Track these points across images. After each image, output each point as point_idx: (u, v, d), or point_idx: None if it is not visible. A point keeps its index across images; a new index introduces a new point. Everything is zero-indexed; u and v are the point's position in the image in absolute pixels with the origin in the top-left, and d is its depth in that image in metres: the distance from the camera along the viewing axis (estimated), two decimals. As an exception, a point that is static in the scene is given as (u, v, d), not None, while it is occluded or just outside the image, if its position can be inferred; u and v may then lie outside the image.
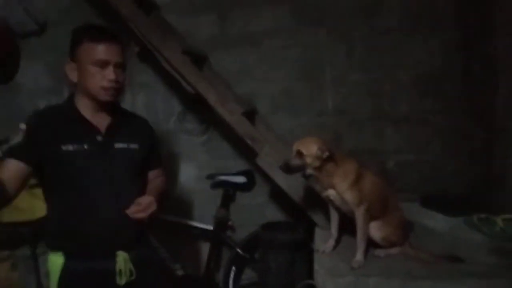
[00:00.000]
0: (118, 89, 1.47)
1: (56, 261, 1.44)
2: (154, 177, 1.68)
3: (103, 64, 1.41)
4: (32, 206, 1.61)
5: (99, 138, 1.46)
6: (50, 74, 2.73)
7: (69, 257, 1.43)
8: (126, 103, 2.70)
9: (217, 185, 2.61)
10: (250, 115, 2.40)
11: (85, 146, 1.42)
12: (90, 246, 1.42)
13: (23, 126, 1.39)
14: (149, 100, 2.72)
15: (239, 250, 2.45)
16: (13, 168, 1.36)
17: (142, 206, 1.41)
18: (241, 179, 2.56)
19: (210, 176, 2.58)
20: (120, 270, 1.44)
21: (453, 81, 2.43)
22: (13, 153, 1.36)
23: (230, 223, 2.59)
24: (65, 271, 1.42)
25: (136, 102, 2.72)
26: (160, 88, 2.70)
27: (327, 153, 1.62)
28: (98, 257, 1.43)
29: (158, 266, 1.66)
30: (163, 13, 2.51)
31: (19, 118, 1.54)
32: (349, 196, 1.63)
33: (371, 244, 1.71)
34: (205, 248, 2.61)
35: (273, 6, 2.57)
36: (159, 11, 2.49)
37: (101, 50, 1.41)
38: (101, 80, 1.42)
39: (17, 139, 1.39)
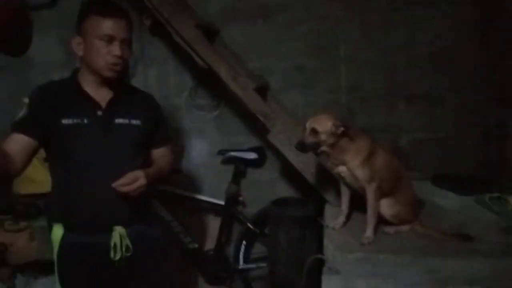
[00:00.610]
0: (122, 65, 1.46)
1: (57, 232, 1.47)
2: (160, 156, 1.67)
3: (109, 39, 1.41)
4: (48, 178, 1.66)
5: (99, 112, 1.47)
6: (62, 47, 2.73)
7: (68, 229, 1.46)
8: (138, 77, 2.71)
9: (228, 161, 2.63)
10: (262, 90, 2.38)
11: (85, 121, 1.43)
12: (87, 220, 1.44)
13: (26, 100, 1.43)
14: (160, 75, 2.71)
15: (249, 225, 2.49)
16: (18, 141, 1.39)
17: (127, 180, 1.40)
18: (252, 155, 2.57)
19: (221, 152, 2.59)
20: (115, 245, 1.45)
21: (469, 58, 2.37)
22: (17, 127, 1.41)
23: (240, 198, 2.62)
24: (64, 242, 1.46)
25: (148, 76, 2.71)
26: (172, 62, 2.68)
27: (342, 129, 1.60)
28: (95, 231, 1.45)
29: (159, 242, 1.65)
30: (175, -14, 2.48)
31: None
32: (361, 173, 1.62)
33: (381, 221, 1.71)
34: (215, 222, 2.65)
35: (287, -21, 2.51)
36: (170, -17, 2.45)
37: (107, 25, 1.40)
38: (106, 55, 1.42)
39: (20, 114, 1.43)
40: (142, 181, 1.42)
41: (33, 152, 1.44)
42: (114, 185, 1.39)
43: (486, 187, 1.99)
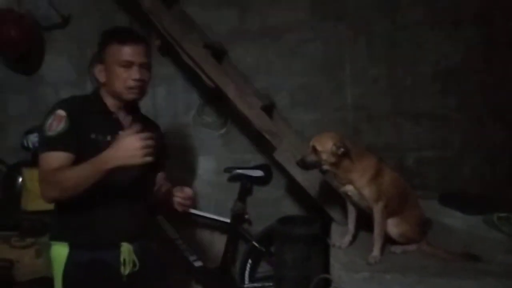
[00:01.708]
0: (143, 87, 1.53)
1: (60, 251, 1.47)
2: (162, 179, 1.73)
3: (128, 65, 1.47)
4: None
5: (120, 132, 1.48)
6: (73, 66, 2.79)
7: (74, 247, 1.46)
8: (147, 96, 2.71)
9: (235, 178, 2.63)
10: (269, 109, 2.40)
11: (108, 138, 1.46)
12: (96, 237, 1.46)
13: (62, 112, 1.43)
14: (169, 93, 2.75)
15: (255, 243, 2.48)
16: (66, 160, 1.38)
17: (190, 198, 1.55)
18: (258, 173, 2.58)
19: (227, 169, 2.61)
20: (125, 260, 1.48)
21: (475, 77, 2.39)
22: (61, 144, 1.39)
23: (246, 216, 2.62)
24: (70, 261, 1.46)
25: (157, 95, 2.75)
26: (180, 81, 2.73)
27: (342, 149, 1.61)
28: (103, 248, 1.47)
29: (159, 256, 1.71)
30: (184, 7, 2.54)
31: (43, 110, 1.59)
32: (368, 192, 1.63)
33: (388, 240, 1.70)
34: (221, 240, 2.64)
35: (293, 0, 2.56)
36: (179, 4, 2.52)
37: (126, 52, 1.47)
38: (126, 79, 1.48)
39: (58, 127, 1.40)
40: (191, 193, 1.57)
41: None
42: (178, 206, 1.56)
43: (494, 207, 1.98)
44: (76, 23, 2.77)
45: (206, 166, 2.76)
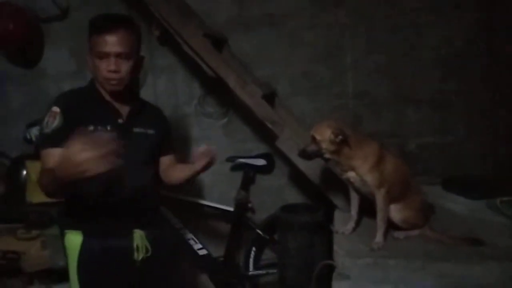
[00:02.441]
0: (122, 78, 1.48)
1: (74, 240, 1.50)
2: (169, 163, 1.73)
3: (104, 55, 1.45)
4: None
5: (120, 121, 1.53)
6: (73, 58, 2.78)
7: (87, 236, 1.49)
8: (148, 87, 2.74)
9: (237, 167, 2.64)
10: (270, 98, 2.40)
11: (108, 128, 1.48)
12: (107, 225, 1.48)
13: (56, 109, 1.44)
14: (170, 84, 2.75)
15: (259, 231, 2.50)
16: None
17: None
18: (260, 162, 2.58)
19: (230, 159, 2.61)
20: (137, 246, 1.52)
21: (477, 61, 2.38)
22: (55, 141, 1.39)
23: (250, 205, 2.63)
24: (84, 249, 1.48)
25: (157, 86, 2.74)
26: (181, 71, 2.72)
27: (340, 137, 1.61)
28: (115, 235, 1.50)
29: (173, 244, 1.73)
30: (182, -4, 2.52)
31: (44, 103, 1.60)
32: (370, 178, 1.63)
33: (391, 226, 1.71)
34: (225, 229, 2.66)
35: (293, -13, 2.54)
36: (178, -7, 2.50)
37: (100, 42, 1.44)
38: (103, 71, 1.46)
39: (53, 123, 1.42)
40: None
41: None
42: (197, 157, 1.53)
43: (497, 191, 1.98)
44: (74, 14, 2.75)
45: (209, 156, 2.76)
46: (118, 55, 1.45)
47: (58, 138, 1.37)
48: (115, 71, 1.45)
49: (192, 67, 2.60)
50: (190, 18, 2.39)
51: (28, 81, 2.91)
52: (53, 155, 1.37)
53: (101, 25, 1.45)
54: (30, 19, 2.75)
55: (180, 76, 2.73)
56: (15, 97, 2.95)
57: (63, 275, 1.68)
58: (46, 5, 2.75)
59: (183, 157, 1.89)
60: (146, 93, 2.58)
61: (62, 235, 1.56)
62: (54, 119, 1.43)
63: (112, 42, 1.43)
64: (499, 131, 2.35)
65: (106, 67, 1.45)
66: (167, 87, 2.75)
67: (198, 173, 1.58)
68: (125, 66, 1.48)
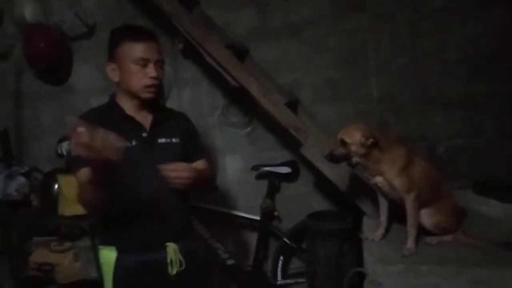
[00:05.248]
0: (158, 85, 1.52)
1: (109, 255, 1.50)
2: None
3: (144, 62, 1.46)
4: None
5: (144, 134, 1.52)
6: (101, 74, 2.85)
7: (122, 251, 1.49)
8: (173, 99, 2.80)
9: (262, 176, 2.65)
10: (293, 105, 2.40)
11: (133, 143, 1.47)
12: (140, 239, 1.48)
13: (82, 129, 1.46)
14: (194, 95, 2.79)
15: (286, 240, 2.48)
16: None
17: (175, 166, 1.42)
18: (285, 170, 2.58)
19: (255, 167, 2.62)
20: (171, 260, 1.49)
21: (504, 61, 2.31)
22: (82, 162, 1.39)
23: (276, 213, 2.63)
24: (119, 264, 1.48)
25: (182, 98, 2.80)
26: (204, 82, 2.76)
27: (371, 140, 1.59)
28: (149, 249, 1.49)
29: (205, 256, 1.70)
30: (204, 8, 2.56)
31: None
32: (398, 183, 1.60)
33: (422, 231, 1.67)
34: (252, 238, 2.66)
35: (312, -5, 2.54)
36: (200, 6, 2.55)
37: (141, 49, 1.45)
38: (143, 78, 1.46)
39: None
40: (188, 172, 1.43)
41: None
42: (162, 167, 1.39)
43: (531, 193, 1.91)
44: (101, 31, 2.85)
45: (234, 165, 2.78)
46: (156, 62, 1.49)
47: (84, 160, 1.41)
48: (156, 78, 1.48)
49: (215, 78, 2.64)
50: (212, 30, 2.43)
51: (58, 97, 3.02)
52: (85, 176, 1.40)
53: (138, 33, 1.48)
54: (59, 38, 2.87)
55: (203, 87, 2.77)
56: (46, 113, 3.06)
57: (94, 286, 1.71)
58: (74, 24, 2.85)
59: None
60: (171, 105, 2.62)
61: (95, 250, 1.57)
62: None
63: (152, 49, 1.47)
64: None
65: (147, 74, 1.46)
66: (192, 99, 2.80)
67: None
68: (162, 73, 1.52)
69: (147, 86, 1.48)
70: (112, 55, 1.51)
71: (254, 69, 2.49)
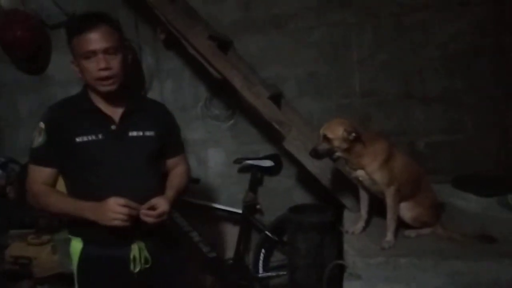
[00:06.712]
0: (115, 75, 1.40)
1: (76, 246, 1.49)
2: (175, 165, 1.65)
3: (91, 55, 1.36)
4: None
5: (113, 127, 1.45)
6: (80, 64, 2.80)
7: (87, 243, 1.47)
8: (154, 90, 2.76)
9: (245, 169, 2.64)
10: (276, 98, 2.40)
11: (100, 136, 1.42)
12: (107, 234, 1.40)
13: (42, 125, 1.43)
14: (176, 87, 2.76)
15: (268, 233, 2.49)
16: (43, 175, 1.44)
17: (155, 213, 1.39)
18: (268, 163, 2.58)
19: (237, 161, 2.61)
20: (134, 258, 1.44)
21: (485, 58, 2.35)
22: (38, 159, 1.44)
23: (258, 206, 2.63)
24: (84, 255, 1.47)
25: (164, 89, 2.76)
26: (187, 74, 2.73)
27: (353, 134, 1.60)
28: (114, 244, 1.44)
29: (179, 254, 1.64)
30: (187, -1, 2.53)
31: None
32: (379, 176, 1.62)
33: (402, 225, 1.69)
34: (233, 231, 2.65)
35: (297, -13, 2.53)
36: (183, -3, 2.51)
37: (84, 42, 1.36)
38: (94, 71, 1.37)
39: (37, 140, 1.42)
40: (166, 211, 1.42)
41: (57, 179, 1.48)
42: (141, 213, 1.38)
43: (507, 188, 1.95)
44: (81, 20, 2.77)
45: (216, 158, 2.77)
46: (105, 51, 1.37)
47: (41, 156, 1.43)
48: (106, 68, 1.37)
49: (198, 70, 2.61)
50: (195, 21, 2.40)
51: (36, 88, 2.94)
52: (41, 172, 1.44)
53: (80, 25, 1.38)
54: (37, 25, 2.78)
55: (186, 79, 2.74)
56: (24, 104, 2.98)
57: (73, 280, 1.68)
58: (52, 11, 2.77)
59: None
60: (152, 96, 2.58)
61: (68, 240, 1.55)
62: (39, 136, 1.43)
63: (96, 39, 1.35)
64: (508, 128, 2.32)
65: (96, 67, 1.36)
66: (174, 90, 2.76)
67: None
68: (115, 62, 1.39)
69: (101, 79, 1.39)
70: (71, 52, 1.43)
71: (238, 61, 2.47)
